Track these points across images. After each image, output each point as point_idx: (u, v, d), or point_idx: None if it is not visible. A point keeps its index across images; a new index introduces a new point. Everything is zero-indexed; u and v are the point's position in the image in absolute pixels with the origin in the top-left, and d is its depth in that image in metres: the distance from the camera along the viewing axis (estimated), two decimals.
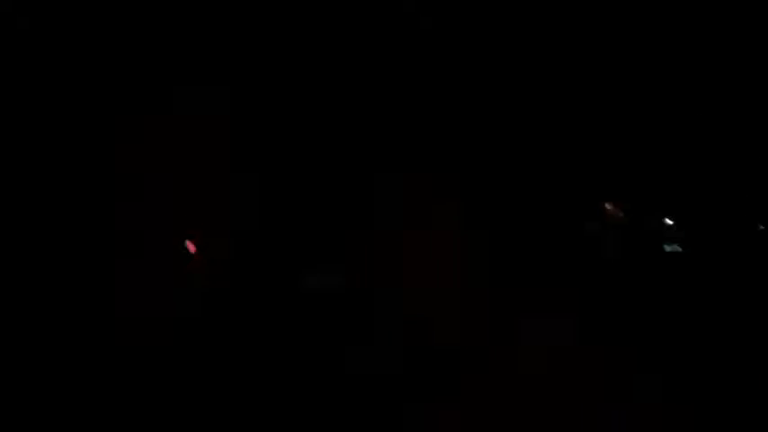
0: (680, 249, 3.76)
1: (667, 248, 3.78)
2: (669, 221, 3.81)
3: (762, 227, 3.64)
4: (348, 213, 3.63)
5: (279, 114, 3.59)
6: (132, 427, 3.07)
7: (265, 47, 3.49)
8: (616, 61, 3.55)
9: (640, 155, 3.72)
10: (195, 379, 3.23)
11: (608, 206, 3.79)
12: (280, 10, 3.41)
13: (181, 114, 3.46)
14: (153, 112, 3.45)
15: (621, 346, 3.39)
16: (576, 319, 3.52)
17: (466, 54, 3.49)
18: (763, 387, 3.04)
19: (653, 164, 3.74)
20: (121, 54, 3.38)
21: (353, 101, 3.56)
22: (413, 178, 3.62)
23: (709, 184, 3.72)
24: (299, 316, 3.56)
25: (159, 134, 3.44)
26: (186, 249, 3.22)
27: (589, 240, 3.85)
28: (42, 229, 3.29)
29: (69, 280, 3.29)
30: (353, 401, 3.23)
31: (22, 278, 3.22)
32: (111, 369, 3.17)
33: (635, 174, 3.77)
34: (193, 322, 3.35)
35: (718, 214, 3.74)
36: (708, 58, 3.47)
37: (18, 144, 3.29)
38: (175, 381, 3.17)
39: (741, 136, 3.59)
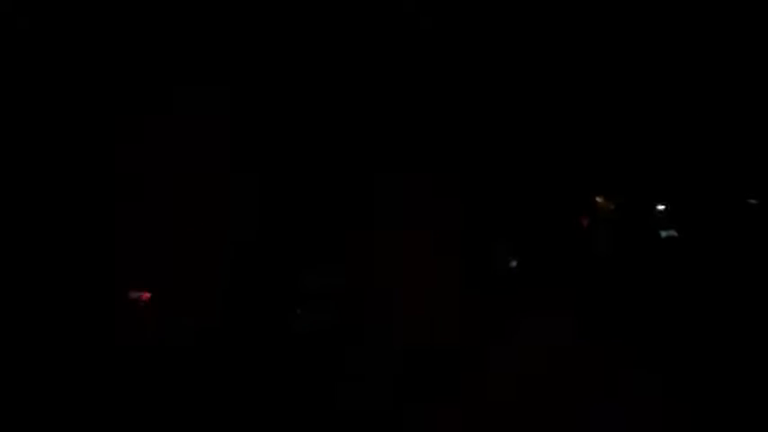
0: (675, 234, 3.78)
1: (663, 234, 3.80)
2: (661, 207, 3.84)
3: (752, 201, 3.69)
4: (348, 213, 3.63)
5: (279, 115, 3.59)
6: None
7: (265, 47, 3.49)
8: (607, 64, 3.62)
9: (627, 145, 3.77)
10: (198, 381, 3.22)
11: (599, 200, 3.82)
12: (280, 10, 3.41)
13: (180, 114, 3.45)
14: (153, 111, 3.44)
15: (618, 342, 3.40)
16: (572, 316, 3.52)
17: (466, 54, 3.50)
18: (759, 381, 3.05)
19: (640, 153, 3.80)
20: (121, 54, 3.38)
21: (354, 101, 3.57)
22: (412, 178, 3.62)
23: (698, 166, 3.77)
24: (299, 319, 3.56)
25: (159, 134, 3.44)
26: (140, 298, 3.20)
27: (584, 236, 3.86)
28: (43, 228, 3.28)
29: (69, 281, 3.28)
30: (353, 402, 3.22)
31: (21, 280, 3.22)
32: (110, 371, 3.17)
33: (623, 165, 3.82)
34: (195, 325, 3.35)
35: (709, 193, 3.79)
36: (688, 51, 3.55)
37: (18, 143, 3.28)
38: (175, 392, 3.15)
39: (724, 116, 3.67)
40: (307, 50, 3.52)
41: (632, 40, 3.60)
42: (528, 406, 3.04)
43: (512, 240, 3.82)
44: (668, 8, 3.50)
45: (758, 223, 3.73)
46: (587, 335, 3.39)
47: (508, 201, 3.78)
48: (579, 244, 3.85)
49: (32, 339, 3.15)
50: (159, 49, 3.41)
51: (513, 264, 3.83)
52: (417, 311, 3.48)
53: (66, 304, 3.24)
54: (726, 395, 3.04)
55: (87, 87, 3.37)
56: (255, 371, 3.27)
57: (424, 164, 3.63)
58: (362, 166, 3.62)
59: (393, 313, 3.48)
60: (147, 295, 3.21)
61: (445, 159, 3.65)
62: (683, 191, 3.86)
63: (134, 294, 3.12)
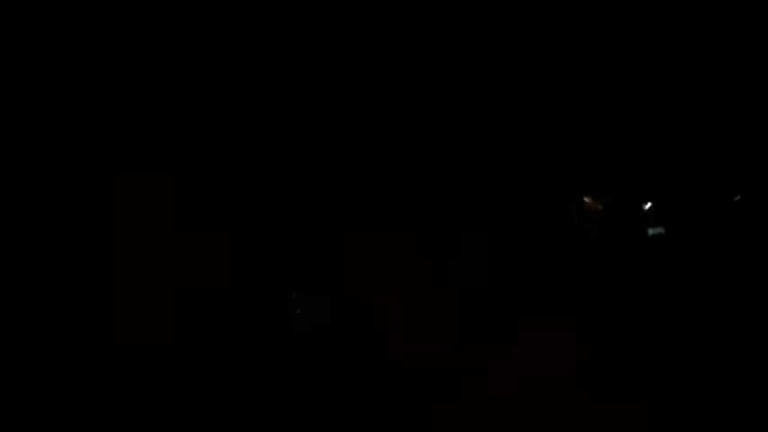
0: (663, 231, 3.80)
1: (651, 231, 3.82)
2: (648, 205, 3.86)
3: (738, 198, 3.71)
4: (346, 213, 3.63)
5: (276, 118, 3.58)
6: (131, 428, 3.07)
7: (266, 45, 3.48)
8: (595, 68, 3.66)
9: (614, 145, 3.81)
10: (196, 385, 3.22)
11: (587, 200, 3.83)
12: (282, 7, 3.40)
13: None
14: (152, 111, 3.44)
15: (612, 343, 3.40)
16: (569, 319, 3.52)
17: (466, 54, 3.49)
18: (747, 379, 3.05)
19: (626, 153, 3.83)
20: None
21: (354, 101, 3.56)
22: (413, 179, 3.62)
23: (684, 164, 3.81)
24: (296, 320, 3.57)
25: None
26: None
27: (574, 235, 3.87)
28: (42, 234, 3.28)
29: (70, 282, 3.28)
30: (353, 399, 3.23)
31: (24, 280, 3.22)
32: (111, 369, 3.17)
33: (610, 165, 3.85)
34: (195, 325, 3.35)
35: (695, 191, 3.82)
36: (671, 55, 3.59)
37: (16, 143, 3.28)
38: (175, 392, 3.14)
39: (709, 116, 3.71)
40: (307, 50, 3.51)
41: (617, 45, 3.66)
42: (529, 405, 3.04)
43: (503, 239, 3.83)
44: (650, 16, 3.55)
45: (743, 219, 3.74)
46: (584, 335, 3.39)
47: (499, 202, 3.78)
48: (569, 243, 3.85)
49: (33, 340, 3.16)
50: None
51: (512, 264, 3.83)
52: (416, 311, 3.49)
53: (66, 306, 3.24)
54: (718, 389, 3.04)
55: (86, 90, 3.37)
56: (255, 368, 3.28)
57: (424, 163, 3.63)
58: (361, 167, 3.62)
59: (391, 312, 3.48)
60: None
61: (434, 159, 3.64)
62: (669, 189, 3.88)
63: None
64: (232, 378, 3.24)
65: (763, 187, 3.67)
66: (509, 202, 3.80)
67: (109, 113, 3.38)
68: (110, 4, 3.30)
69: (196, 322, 3.37)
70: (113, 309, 3.29)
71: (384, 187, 3.65)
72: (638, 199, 3.97)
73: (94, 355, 3.19)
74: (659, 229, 3.91)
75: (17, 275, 3.21)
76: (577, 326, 3.53)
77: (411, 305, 3.54)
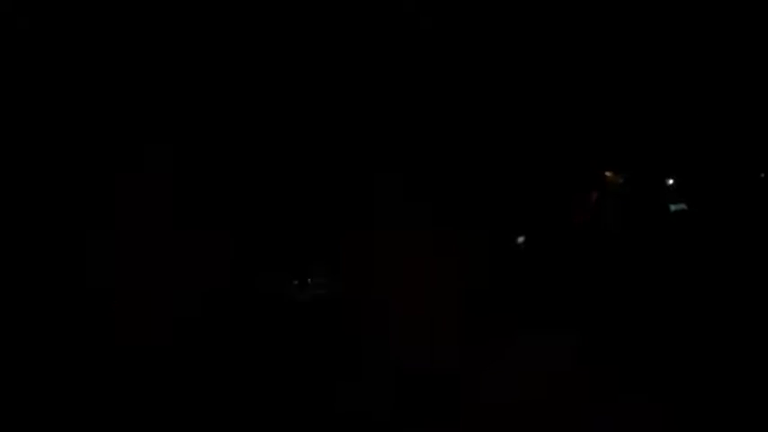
0: (685, 207, 3.71)
1: (672, 207, 3.73)
2: (671, 181, 3.77)
3: (763, 175, 3.62)
4: (346, 214, 3.63)
5: (274, 115, 3.58)
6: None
7: (264, 44, 3.48)
8: (613, 42, 3.60)
9: (635, 118, 3.74)
10: (196, 381, 3.22)
11: (608, 174, 3.76)
12: (281, 6, 3.40)
13: None
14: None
15: (615, 342, 3.36)
16: (572, 318, 3.49)
17: (466, 54, 3.49)
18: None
19: (646, 129, 3.75)
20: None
21: (354, 101, 3.56)
22: (413, 179, 3.61)
23: (706, 141, 3.72)
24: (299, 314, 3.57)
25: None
26: None
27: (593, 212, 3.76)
28: (41, 233, 3.29)
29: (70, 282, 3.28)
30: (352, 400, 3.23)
31: (23, 280, 3.22)
32: (111, 369, 3.17)
33: (630, 140, 3.78)
34: (196, 323, 3.35)
35: (719, 167, 3.72)
36: (694, 23, 3.52)
37: (15, 143, 3.29)
38: (175, 392, 3.14)
39: (734, 88, 3.63)
40: (307, 50, 3.51)
41: (638, 19, 3.57)
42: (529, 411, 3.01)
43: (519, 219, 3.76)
44: None
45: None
46: (585, 347, 3.33)
47: (499, 200, 3.74)
48: (588, 221, 3.75)
49: (32, 340, 3.16)
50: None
51: (520, 240, 3.79)
52: (416, 311, 3.48)
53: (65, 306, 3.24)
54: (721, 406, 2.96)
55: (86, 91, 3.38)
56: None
57: (424, 163, 3.62)
58: (361, 167, 3.62)
59: (391, 312, 3.47)
60: None
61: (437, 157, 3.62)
62: (692, 164, 3.78)
63: None
64: (232, 378, 3.24)
65: None
66: (510, 199, 3.78)
67: (109, 113, 3.38)
68: (110, 4, 3.31)
69: (196, 322, 3.37)
70: (113, 309, 3.29)
71: (384, 187, 3.64)
72: (660, 174, 3.86)
73: (94, 354, 3.20)
74: (681, 206, 3.81)
75: (17, 275, 3.21)
76: (580, 325, 3.50)
77: (411, 305, 3.52)
